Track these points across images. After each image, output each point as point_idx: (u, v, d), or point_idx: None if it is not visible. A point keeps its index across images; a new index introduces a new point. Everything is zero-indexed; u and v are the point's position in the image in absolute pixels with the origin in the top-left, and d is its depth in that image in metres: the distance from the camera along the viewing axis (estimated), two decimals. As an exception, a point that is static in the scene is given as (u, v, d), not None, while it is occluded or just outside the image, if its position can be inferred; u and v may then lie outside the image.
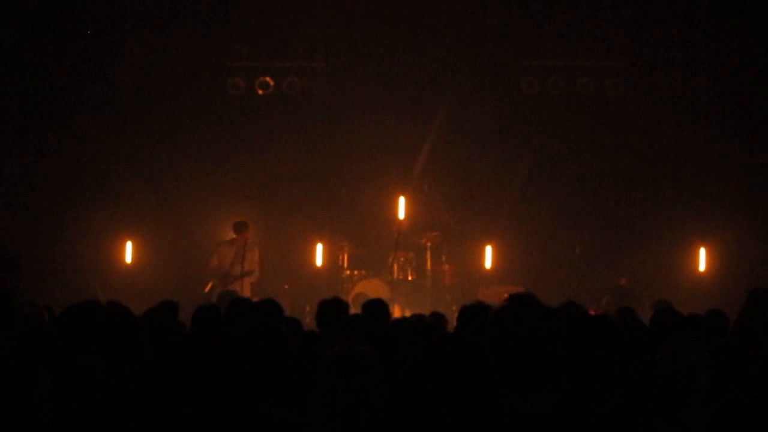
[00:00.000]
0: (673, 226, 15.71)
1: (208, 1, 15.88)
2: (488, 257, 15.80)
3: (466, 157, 15.80)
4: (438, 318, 7.98)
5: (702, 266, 15.56)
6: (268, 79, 16.23)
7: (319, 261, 15.75)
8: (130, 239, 15.64)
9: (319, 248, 15.73)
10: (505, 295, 5.78)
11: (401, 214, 15.51)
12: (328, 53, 16.27)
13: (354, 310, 7.97)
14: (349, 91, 16.08)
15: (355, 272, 15.35)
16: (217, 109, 16.14)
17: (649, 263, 15.45)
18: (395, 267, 15.26)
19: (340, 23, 16.06)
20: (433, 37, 15.99)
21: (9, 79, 15.30)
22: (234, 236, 14.30)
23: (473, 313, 6.36)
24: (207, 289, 14.03)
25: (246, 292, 13.52)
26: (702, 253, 15.56)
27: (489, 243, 15.81)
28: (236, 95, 16.24)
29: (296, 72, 16.28)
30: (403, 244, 15.27)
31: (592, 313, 8.11)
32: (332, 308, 7.31)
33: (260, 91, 16.22)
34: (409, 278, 15.34)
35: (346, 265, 15.47)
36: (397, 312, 13.70)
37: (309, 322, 11.17)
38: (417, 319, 6.99)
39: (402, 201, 15.54)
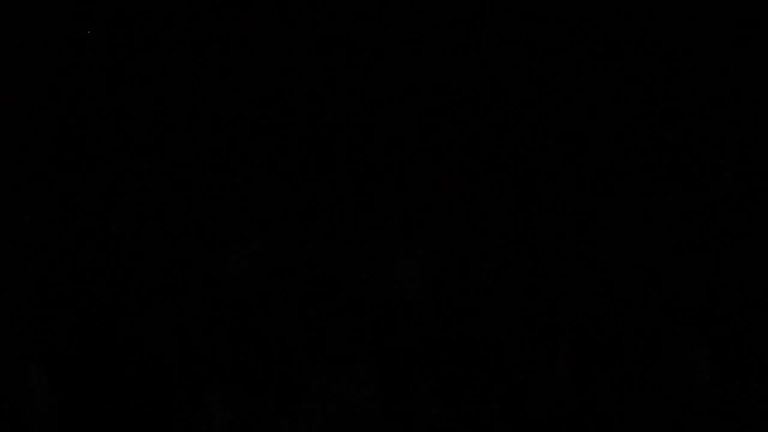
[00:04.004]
0: (673, 225, 15.72)
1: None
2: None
3: (466, 156, 15.83)
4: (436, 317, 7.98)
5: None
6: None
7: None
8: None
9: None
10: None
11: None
12: (328, 51, 16.30)
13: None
14: (349, 90, 16.10)
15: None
16: (217, 108, 16.15)
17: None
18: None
19: (340, 22, 16.10)
20: (435, 37, 16.03)
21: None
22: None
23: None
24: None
25: None
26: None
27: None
28: (236, 94, 16.26)
29: (296, 71, 16.31)
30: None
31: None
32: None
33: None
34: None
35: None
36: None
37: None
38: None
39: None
